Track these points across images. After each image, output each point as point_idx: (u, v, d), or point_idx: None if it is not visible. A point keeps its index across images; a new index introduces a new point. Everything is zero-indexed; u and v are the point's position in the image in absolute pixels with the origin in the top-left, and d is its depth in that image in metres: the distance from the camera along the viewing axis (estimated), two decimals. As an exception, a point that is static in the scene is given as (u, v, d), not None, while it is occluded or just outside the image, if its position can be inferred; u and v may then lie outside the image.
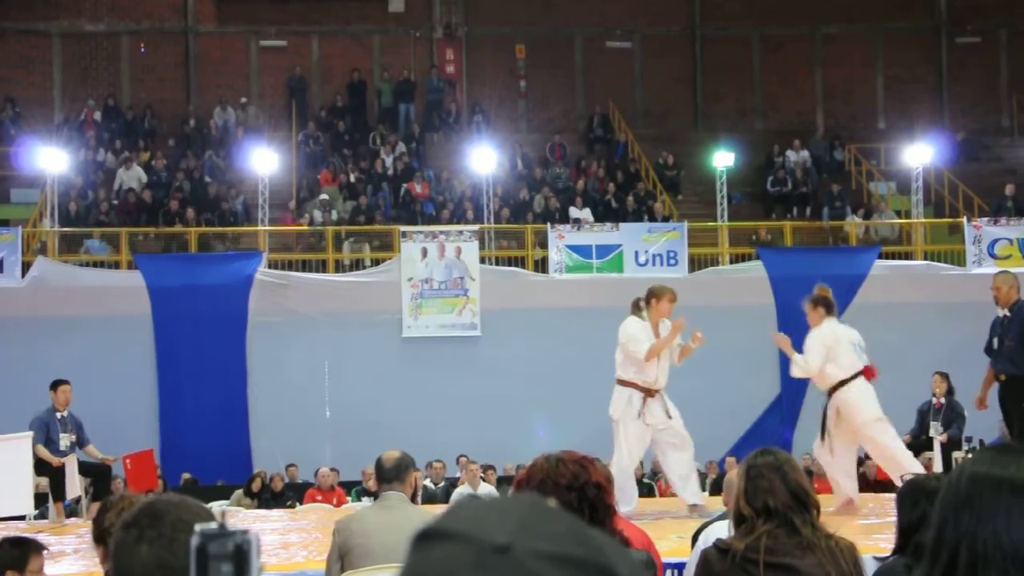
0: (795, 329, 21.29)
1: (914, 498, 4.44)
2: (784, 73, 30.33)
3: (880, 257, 22.08)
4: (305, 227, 24.02)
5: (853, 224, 24.52)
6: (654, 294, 11.09)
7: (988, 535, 2.11)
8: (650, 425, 11.03)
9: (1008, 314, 10.97)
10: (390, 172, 26.33)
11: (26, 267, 21.06)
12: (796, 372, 11.13)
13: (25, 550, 5.51)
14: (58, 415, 13.25)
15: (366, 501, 15.70)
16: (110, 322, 20.39)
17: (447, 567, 1.43)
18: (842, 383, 10.74)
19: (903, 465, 10.32)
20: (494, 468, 17.32)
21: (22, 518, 12.65)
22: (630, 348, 10.87)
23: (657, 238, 21.81)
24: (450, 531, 1.48)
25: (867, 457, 18.29)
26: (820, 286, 11.22)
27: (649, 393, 10.99)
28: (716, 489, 16.73)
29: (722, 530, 5.05)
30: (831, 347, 10.77)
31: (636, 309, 11.12)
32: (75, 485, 13.16)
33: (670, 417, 11.17)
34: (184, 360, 20.67)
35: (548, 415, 19.60)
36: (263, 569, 1.82)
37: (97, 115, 27.70)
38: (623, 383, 11.04)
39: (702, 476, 19.30)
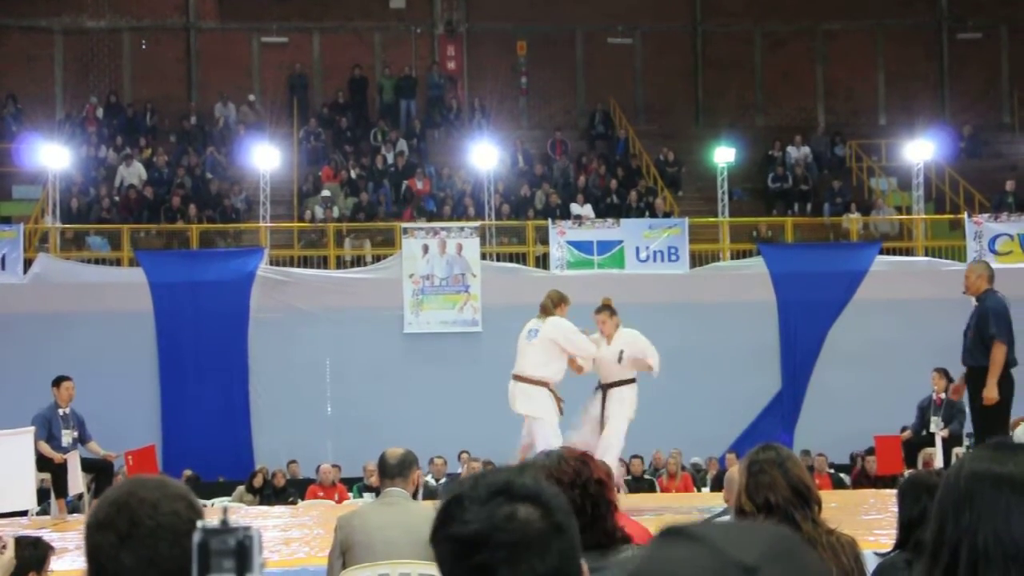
0: (795, 325, 21.46)
1: (915, 494, 4.45)
2: (785, 69, 30.32)
3: (881, 253, 22.08)
4: (306, 223, 24.02)
5: (854, 220, 24.52)
6: (564, 300, 11.30)
7: (989, 533, 2.11)
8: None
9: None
10: (391, 168, 26.34)
11: (28, 264, 21.06)
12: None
13: (44, 551, 5.54)
14: (60, 411, 13.25)
15: (368, 497, 15.71)
16: (112, 318, 20.40)
17: (688, 568, 1.46)
18: (629, 381, 11.48)
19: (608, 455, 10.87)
20: (494, 464, 17.32)
21: (24, 514, 12.67)
22: (583, 347, 10.99)
23: (658, 234, 21.81)
24: (700, 536, 1.50)
25: (867, 453, 18.35)
26: (604, 297, 11.67)
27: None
28: (717, 485, 16.75)
29: (723, 526, 5.04)
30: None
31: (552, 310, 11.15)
32: (77, 481, 13.17)
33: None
34: (186, 356, 20.67)
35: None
36: (265, 565, 1.83)
37: (99, 112, 27.70)
38: (544, 383, 10.98)
39: (702, 472, 19.35)
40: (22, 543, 5.58)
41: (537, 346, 11.05)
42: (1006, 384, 10.38)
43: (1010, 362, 10.44)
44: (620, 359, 11.29)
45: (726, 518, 5.23)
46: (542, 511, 1.93)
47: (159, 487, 2.32)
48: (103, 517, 2.29)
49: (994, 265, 21.32)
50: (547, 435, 10.80)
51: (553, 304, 11.19)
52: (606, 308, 11.58)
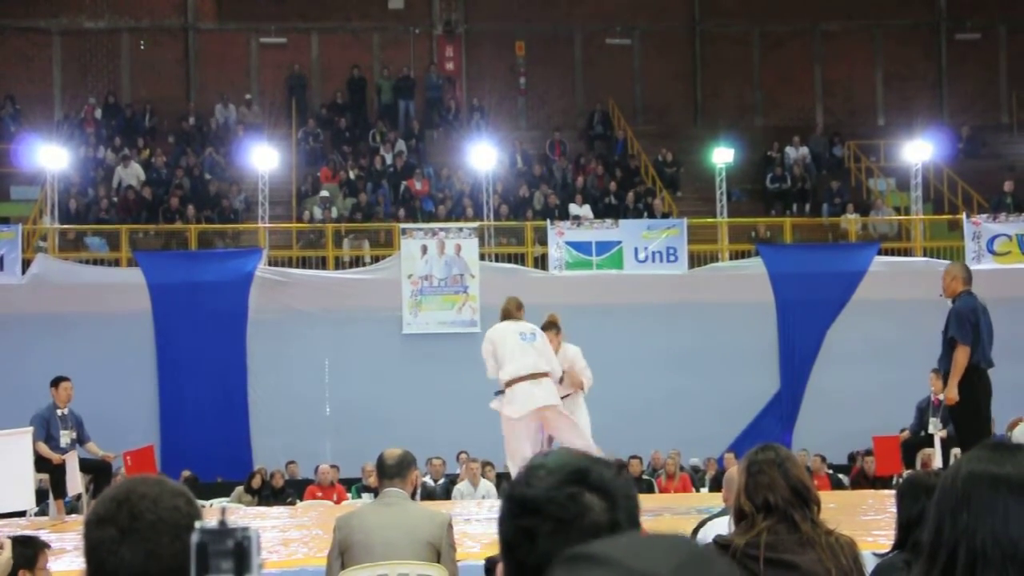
0: (794, 325, 21.47)
1: (914, 494, 4.45)
2: (784, 70, 30.33)
3: (879, 254, 22.09)
4: (305, 224, 24.02)
5: (852, 221, 24.53)
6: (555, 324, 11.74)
7: (987, 534, 2.11)
8: None
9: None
10: (390, 169, 26.34)
11: (26, 264, 21.05)
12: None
13: (35, 549, 5.54)
14: (59, 412, 13.25)
15: (366, 498, 15.71)
16: (110, 319, 20.40)
17: None
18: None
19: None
20: (493, 465, 17.32)
21: (22, 514, 12.66)
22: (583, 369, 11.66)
23: (657, 235, 21.82)
24: (605, 557, 1.49)
25: (865, 454, 18.35)
26: (551, 315, 11.91)
27: None
28: (715, 486, 16.74)
29: (721, 526, 5.06)
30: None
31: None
32: (76, 482, 13.16)
33: None
34: (184, 357, 20.67)
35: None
36: (263, 566, 1.83)
37: (97, 112, 27.70)
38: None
39: (701, 472, 19.35)
40: (14, 542, 5.60)
41: (540, 347, 11.15)
42: (980, 385, 10.42)
43: (982, 363, 10.44)
44: (562, 379, 11.49)
45: (724, 519, 5.23)
46: (608, 504, 1.97)
47: (158, 484, 2.34)
48: (103, 513, 2.29)
49: (992, 266, 21.54)
50: (585, 415, 11.53)
51: (517, 309, 11.46)
52: (552, 326, 11.80)
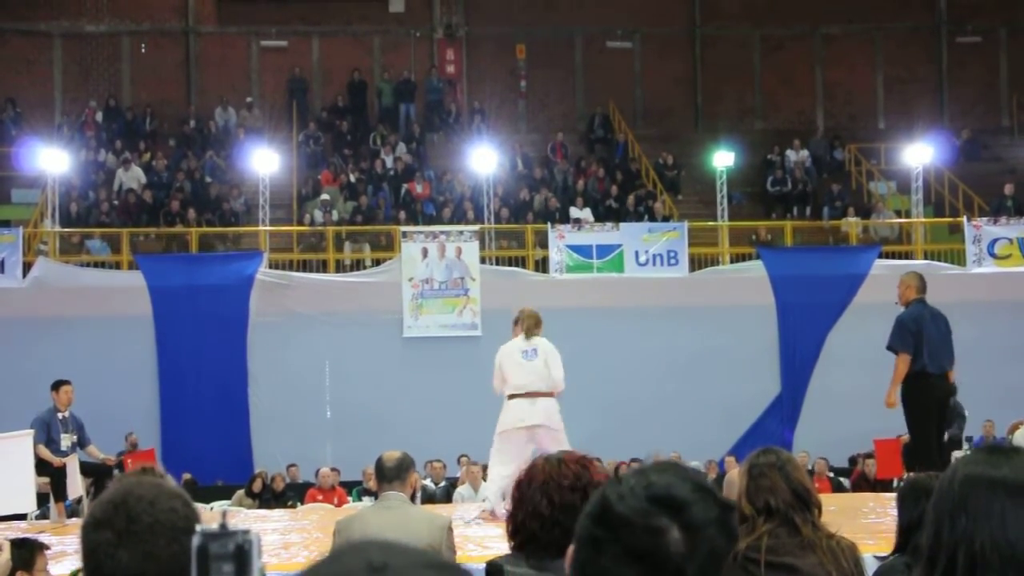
0: (795, 328, 21.46)
1: (915, 497, 4.45)
2: (784, 73, 30.34)
3: (880, 257, 22.08)
4: (306, 227, 24.03)
5: (853, 224, 24.53)
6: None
7: (985, 538, 2.11)
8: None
9: None
10: (391, 172, 26.34)
11: (27, 267, 21.07)
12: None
13: (32, 551, 5.54)
14: (59, 415, 13.25)
15: (367, 501, 15.71)
16: (111, 322, 20.40)
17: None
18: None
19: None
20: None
21: (23, 517, 12.66)
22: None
23: (657, 238, 21.82)
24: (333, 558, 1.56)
25: (866, 457, 18.34)
26: (521, 309, 11.73)
27: None
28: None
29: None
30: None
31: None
32: (76, 485, 13.17)
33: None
34: (185, 360, 20.67)
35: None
36: (264, 569, 1.83)
37: (98, 116, 27.71)
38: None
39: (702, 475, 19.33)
40: (12, 544, 5.60)
41: (540, 364, 11.17)
42: (928, 390, 10.78)
43: (929, 368, 10.80)
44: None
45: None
46: (689, 537, 1.84)
47: (155, 486, 2.33)
48: (100, 516, 2.29)
49: (993, 269, 21.54)
50: (565, 443, 10.94)
51: (537, 324, 11.36)
52: (516, 324, 11.74)
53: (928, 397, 10.82)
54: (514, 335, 11.42)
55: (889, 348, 10.85)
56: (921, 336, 10.80)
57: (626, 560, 1.83)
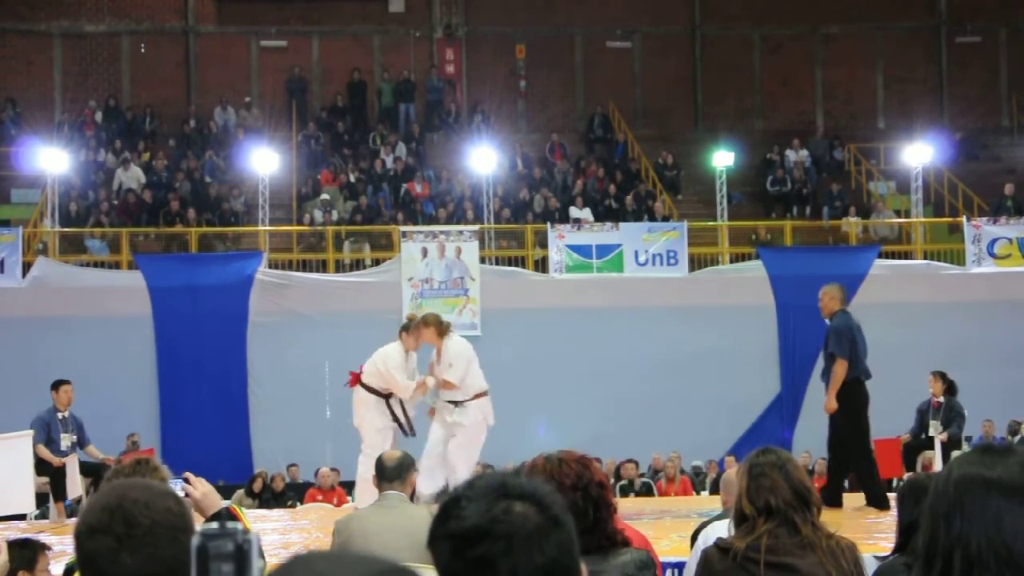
0: (794, 328, 21.45)
1: (915, 496, 4.45)
2: (784, 73, 30.34)
3: (880, 256, 22.09)
4: (305, 227, 24.02)
5: (853, 224, 24.53)
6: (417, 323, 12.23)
7: (981, 538, 2.11)
8: None
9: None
10: (390, 172, 26.34)
11: (27, 267, 21.07)
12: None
13: (34, 551, 5.54)
14: (59, 415, 13.25)
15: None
16: (111, 322, 20.39)
17: None
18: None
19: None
20: (493, 467, 17.30)
21: (23, 517, 12.66)
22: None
23: (657, 238, 21.82)
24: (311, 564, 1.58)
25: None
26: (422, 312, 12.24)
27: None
28: (716, 488, 16.72)
29: (722, 529, 5.06)
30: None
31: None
32: (76, 485, 13.17)
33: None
34: (185, 360, 20.67)
35: (548, 415, 19.60)
36: (264, 569, 1.83)
37: (98, 115, 27.71)
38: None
39: (702, 475, 19.35)
40: (11, 544, 5.60)
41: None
42: (859, 395, 11.23)
43: (861, 375, 11.27)
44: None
45: (724, 521, 5.23)
46: (538, 507, 2.01)
47: (145, 488, 2.34)
48: (95, 523, 2.29)
49: (993, 269, 21.55)
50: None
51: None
52: (418, 326, 12.55)
53: (863, 403, 11.29)
54: (419, 340, 12.11)
55: (831, 354, 11.19)
56: (855, 345, 11.23)
57: (514, 550, 1.97)
